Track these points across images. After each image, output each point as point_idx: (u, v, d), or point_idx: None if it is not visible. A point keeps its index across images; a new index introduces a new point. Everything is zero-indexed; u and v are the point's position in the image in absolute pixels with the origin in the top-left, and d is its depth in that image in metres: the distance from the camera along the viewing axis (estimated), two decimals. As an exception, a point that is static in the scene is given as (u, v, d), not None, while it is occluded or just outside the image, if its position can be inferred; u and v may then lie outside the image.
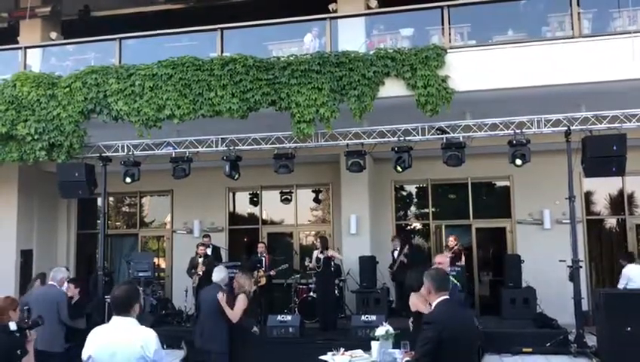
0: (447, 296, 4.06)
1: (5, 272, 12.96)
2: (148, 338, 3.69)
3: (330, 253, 11.33)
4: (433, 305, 4.06)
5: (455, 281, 6.94)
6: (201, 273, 11.58)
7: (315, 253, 11.44)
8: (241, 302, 6.98)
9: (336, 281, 11.90)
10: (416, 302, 6.06)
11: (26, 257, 13.58)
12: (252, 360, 7.13)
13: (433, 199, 14.00)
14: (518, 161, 10.05)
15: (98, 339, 3.72)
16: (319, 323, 11.11)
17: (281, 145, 10.89)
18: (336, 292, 11.72)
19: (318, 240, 11.73)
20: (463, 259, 11.78)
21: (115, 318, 3.76)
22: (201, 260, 11.80)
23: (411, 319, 6.18)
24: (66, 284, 7.41)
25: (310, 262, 11.56)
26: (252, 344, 7.08)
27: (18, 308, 4.88)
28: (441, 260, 6.82)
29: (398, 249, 12.07)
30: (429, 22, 10.99)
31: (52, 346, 6.90)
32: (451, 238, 11.88)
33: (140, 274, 11.86)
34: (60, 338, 7.01)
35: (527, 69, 9.77)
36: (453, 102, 9.93)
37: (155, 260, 13.94)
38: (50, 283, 7.41)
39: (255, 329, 7.03)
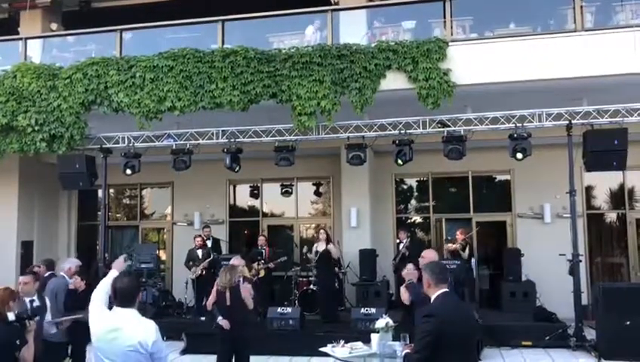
0: (447, 289, 4.06)
1: (6, 263, 12.97)
2: (147, 329, 3.69)
3: (329, 246, 11.31)
4: (432, 297, 4.05)
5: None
6: (200, 271, 11.54)
7: (316, 246, 11.45)
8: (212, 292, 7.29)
9: (337, 272, 11.94)
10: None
11: (26, 248, 13.59)
12: (218, 347, 7.22)
13: (434, 192, 13.99)
14: (519, 155, 10.04)
15: (99, 326, 3.74)
16: (319, 315, 11.14)
17: (281, 138, 10.87)
18: (336, 284, 11.74)
19: (322, 232, 11.62)
20: (467, 250, 11.57)
21: (116, 309, 3.76)
22: (200, 252, 11.82)
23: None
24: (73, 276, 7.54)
25: (310, 252, 11.59)
26: (220, 333, 7.14)
27: (17, 299, 4.89)
28: (426, 255, 6.72)
29: (405, 241, 12.07)
30: (430, 14, 10.95)
31: (50, 335, 7.04)
32: (458, 232, 11.75)
33: (143, 265, 11.89)
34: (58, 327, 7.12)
35: (529, 63, 9.73)
36: (454, 95, 9.90)
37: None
38: (60, 273, 7.61)
39: (220, 321, 7.05)
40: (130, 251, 13.43)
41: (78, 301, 7.14)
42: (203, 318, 11.06)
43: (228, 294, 7.05)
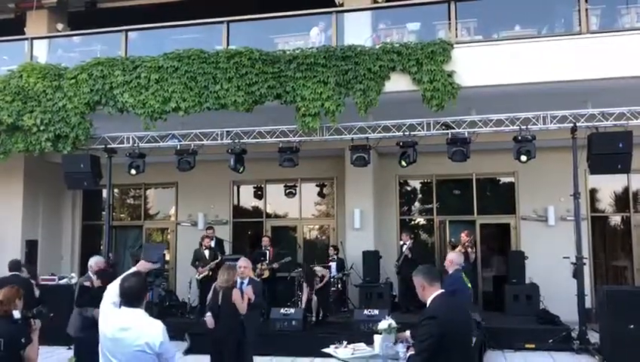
0: (442, 290, 4.05)
1: (10, 262, 13.02)
2: (155, 330, 3.68)
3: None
4: (429, 300, 4.01)
5: (466, 281, 7.02)
6: (207, 271, 11.52)
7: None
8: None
9: (340, 275, 11.96)
10: None
11: (30, 247, 13.64)
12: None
13: (437, 194, 13.98)
14: (523, 158, 10.03)
15: (108, 325, 3.75)
16: (315, 318, 11.05)
17: (286, 139, 10.90)
18: (332, 287, 11.70)
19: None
20: (473, 256, 11.57)
21: (123, 308, 3.76)
22: (207, 252, 11.84)
23: None
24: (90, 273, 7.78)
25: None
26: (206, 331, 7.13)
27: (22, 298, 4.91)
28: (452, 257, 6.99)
29: (408, 243, 12.05)
30: (435, 16, 10.95)
31: (70, 329, 7.59)
32: (463, 234, 11.74)
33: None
34: (74, 323, 7.53)
35: (534, 65, 9.72)
36: (458, 97, 9.90)
37: (159, 252, 13.93)
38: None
39: (207, 317, 6.99)
40: (135, 251, 13.43)
41: (89, 298, 7.20)
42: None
43: (221, 294, 6.91)
